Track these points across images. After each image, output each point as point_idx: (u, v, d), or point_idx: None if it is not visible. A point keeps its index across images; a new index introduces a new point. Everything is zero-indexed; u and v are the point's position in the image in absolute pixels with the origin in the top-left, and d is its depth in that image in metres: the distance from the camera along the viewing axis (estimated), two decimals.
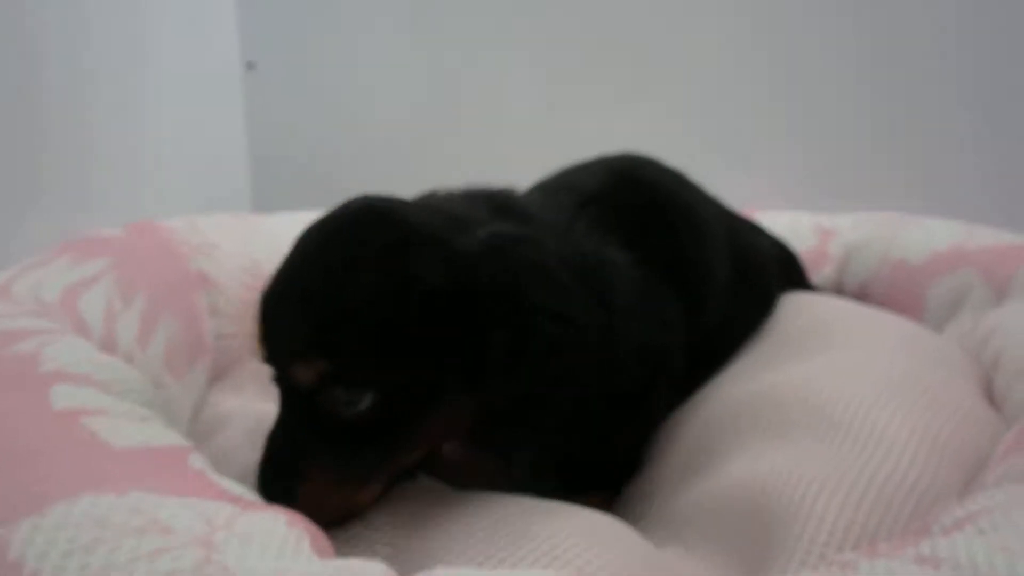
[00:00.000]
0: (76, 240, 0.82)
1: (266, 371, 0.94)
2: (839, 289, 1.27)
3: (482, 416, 0.60)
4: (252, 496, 0.49)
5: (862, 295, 1.21)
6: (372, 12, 1.95)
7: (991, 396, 0.78)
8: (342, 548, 0.54)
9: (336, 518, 0.56)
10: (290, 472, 0.56)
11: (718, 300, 0.87)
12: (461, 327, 0.55)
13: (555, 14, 1.87)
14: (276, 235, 1.21)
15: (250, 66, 1.91)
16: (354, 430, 0.55)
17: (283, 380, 0.58)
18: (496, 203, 0.68)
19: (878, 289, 1.17)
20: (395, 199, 0.63)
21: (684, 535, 0.62)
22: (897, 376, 0.70)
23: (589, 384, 0.62)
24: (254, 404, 0.89)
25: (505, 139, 1.93)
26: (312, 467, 0.56)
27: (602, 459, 0.75)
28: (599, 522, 0.57)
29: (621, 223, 0.74)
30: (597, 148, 0.99)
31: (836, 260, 1.33)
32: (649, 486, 0.75)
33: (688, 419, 0.80)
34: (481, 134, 1.96)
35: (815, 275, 1.28)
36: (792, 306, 0.99)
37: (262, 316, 0.58)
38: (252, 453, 0.71)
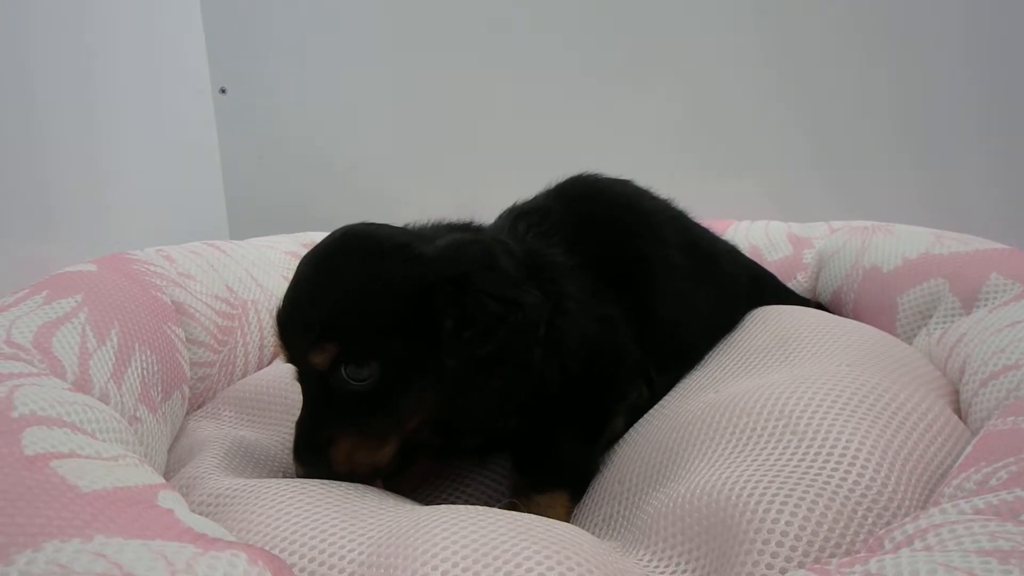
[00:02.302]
0: (50, 277, 0.83)
1: (242, 397, 0.96)
2: (813, 297, 1.28)
3: (450, 395, 0.73)
4: (217, 532, 0.49)
5: (836, 302, 1.22)
6: (344, 38, 1.97)
7: (957, 406, 0.78)
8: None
9: (364, 474, 0.72)
10: (321, 440, 0.71)
11: (672, 293, 0.93)
12: (424, 311, 0.70)
13: (534, 44, 1.89)
14: (250, 261, 1.23)
15: (222, 91, 1.92)
16: (364, 400, 0.70)
17: (303, 372, 0.73)
18: (456, 225, 0.87)
19: (851, 296, 1.18)
20: (375, 224, 0.79)
21: (651, 541, 0.63)
22: (863, 388, 0.70)
23: (532, 360, 0.74)
24: (231, 430, 0.90)
25: (476, 165, 1.96)
26: (339, 432, 0.71)
27: (560, 451, 0.80)
28: (561, 532, 0.58)
29: (565, 229, 0.90)
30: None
31: (810, 268, 1.34)
32: (619, 487, 0.76)
33: (659, 421, 0.81)
34: (452, 161, 1.98)
35: (789, 284, 1.29)
36: (761, 318, 1.00)
37: (281, 324, 0.74)
38: (224, 478, 0.72)
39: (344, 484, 0.71)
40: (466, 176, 1.96)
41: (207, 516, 0.65)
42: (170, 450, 0.84)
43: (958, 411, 0.77)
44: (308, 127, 2.01)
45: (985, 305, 0.92)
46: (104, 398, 0.68)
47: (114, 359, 0.74)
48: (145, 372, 0.78)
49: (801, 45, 1.77)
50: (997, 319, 0.84)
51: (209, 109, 1.87)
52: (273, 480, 0.71)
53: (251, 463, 0.82)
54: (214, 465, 0.77)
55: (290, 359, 0.74)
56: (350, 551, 0.58)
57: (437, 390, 0.73)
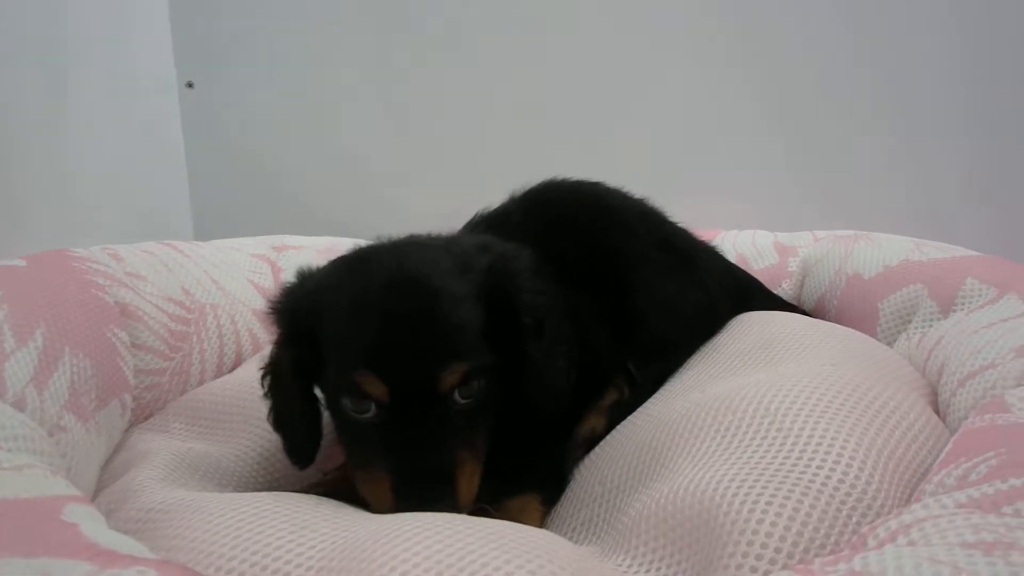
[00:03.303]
0: None
1: (196, 408, 0.90)
2: (798, 303, 1.29)
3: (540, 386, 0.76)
4: (131, 549, 0.44)
5: (820, 309, 1.23)
6: (318, 31, 1.94)
7: (936, 407, 0.78)
8: None
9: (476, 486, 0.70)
10: (447, 469, 0.67)
11: (646, 286, 0.94)
12: (501, 316, 0.72)
13: (518, 46, 1.88)
14: (210, 263, 1.18)
15: (189, 86, 1.88)
16: (468, 418, 0.70)
17: (405, 401, 0.68)
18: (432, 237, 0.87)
19: (834, 303, 1.19)
20: (401, 241, 0.81)
21: (632, 544, 0.61)
22: (847, 387, 0.70)
23: (567, 333, 0.79)
24: (179, 443, 0.85)
25: (453, 166, 1.94)
26: (460, 456, 0.68)
27: (532, 453, 0.78)
28: (534, 538, 0.55)
29: (529, 231, 0.90)
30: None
31: (795, 276, 1.36)
32: (600, 488, 0.74)
33: (642, 422, 0.80)
34: (428, 161, 1.96)
35: (775, 291, 1.29)
36: (747, 321, 0.99)
37: (390, 353, 0.68)
38: (163, 490, 0.67)
39: (296, 495, 0.68)
40: (442, 177, 1.93)
41: (135, 533, 0.61)
42: (107, 464, 0.78)
43: (937, 411, 0.77)
44: (279, 124, 1.97)
45: (962, 309, 0.93)
46: (19, 404, 0.63)
47: (37, 362, 0.69)
48: (76, 378, 0.72)
49: (784, 58, 1.78)
50: (974, 321, 0.86)
51: (174, 104, 1.82)
52: (216, 494, 0.66)
53: (196, 476, 0.77)
54: (153, 477, 0.72)
55: (397, 390, 0.68)
56: (297, 566, 0.54)
57: (524, 386, 0.74)
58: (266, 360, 0.80)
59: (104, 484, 0.73)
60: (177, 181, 1.85)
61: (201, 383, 1.04)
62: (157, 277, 1.01)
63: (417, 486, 0.66)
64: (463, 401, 0.69)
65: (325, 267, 0.78)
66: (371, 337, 0.68)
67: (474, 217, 1.00)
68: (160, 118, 1.79)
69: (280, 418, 0.77)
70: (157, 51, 1.77)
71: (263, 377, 0.79)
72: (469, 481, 0.69)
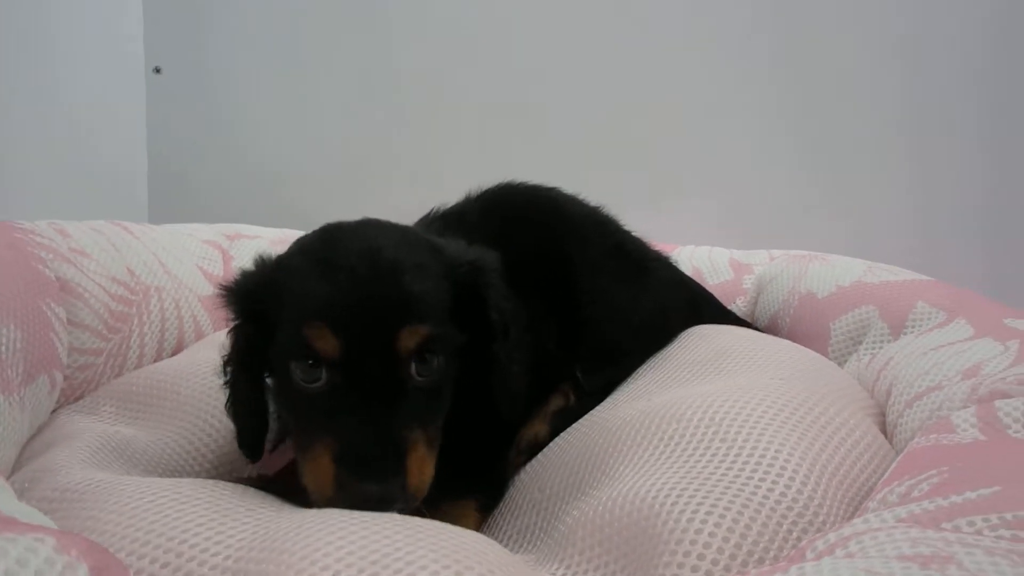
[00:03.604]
0: None
1: (129, 391, 0.87)
2: (752, 321, 1.29)
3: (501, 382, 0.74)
4: (32, 519, 0.42)
5: (773, 327, 1.24)
6: (290, 18, 1.92)
7: (883, 427, 0.78)
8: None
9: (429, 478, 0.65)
10: (398, 447, 0.62)
11: (596, 293, 0.93)
12: (468, 304, 0.70)
13: (475, 49, 1.88)
14: (159, 245, 1.14)
15: (156, 71, 1.84)
16: (423, 398, 0.65)
17: (368, 364, 0.63)
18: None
19: (787, 321, 1.20)
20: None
21: (567, 553, 0.60)
22: (793, 401, 0.69)
23: (526, 337, 0.78)
24: (107, 426, 0.82)
25: (411, 159, 1.93)
26: (412, 435, 0.63)
27: (471, 458, 0.75)
28: (464, 541, 0.53)
29: (483, 232, 0.86)
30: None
31: (749, 293, 1.37)
32: (540, 495, 0.72)
33: (586, 428, 0.79)
34: (391, 156, 1.95)
35: (729, 307, 1.29)
36: (698, 334, 0.99)
37: (347, 306, 0.63)
38: (82, 471, 0.65)
39: (220, 483, 0.65)
40: (406, 172, 1.93)
41: (48, 512, 0.58)
42: (28, 443, 0.75)
43: (884, 431, 0.77)
44: (247, 113, 1.95)
45: (912, 331, 0.94)
46: None
47: None
48: (3, 348, 0.69)
49: (755, 73, 1.81)
50: (923, 344, 0.87)
51: (141, 89, 1.78)
52: (136, 478, 0.64)
53: (120, 460, 0.75)
54: (74, 459, 0.70)
55: (350, 347, 0.63)
56: (213, 555, 0.52)
57: (487, 379, 0.72)
58: (226, 348, 0.76)
59: (22, 464, 0.70)
60: (136, 166, 1.81)
61: (138, 367, 1.00)
62: (103, 255, 0.98)
63: (363, 461, 0.61)
64: (420, 378, 0.65)
65: (287, 250, 0.75)
66: (326, 292, 0.64)
67: (429, 213, 0.98)
68: (125, 102, 1.75)
69: (236, 407, 0.74)
70: (127, 35, 1.73)
71: (224, 365, 0.75)
72: (420, 466, 0.63)
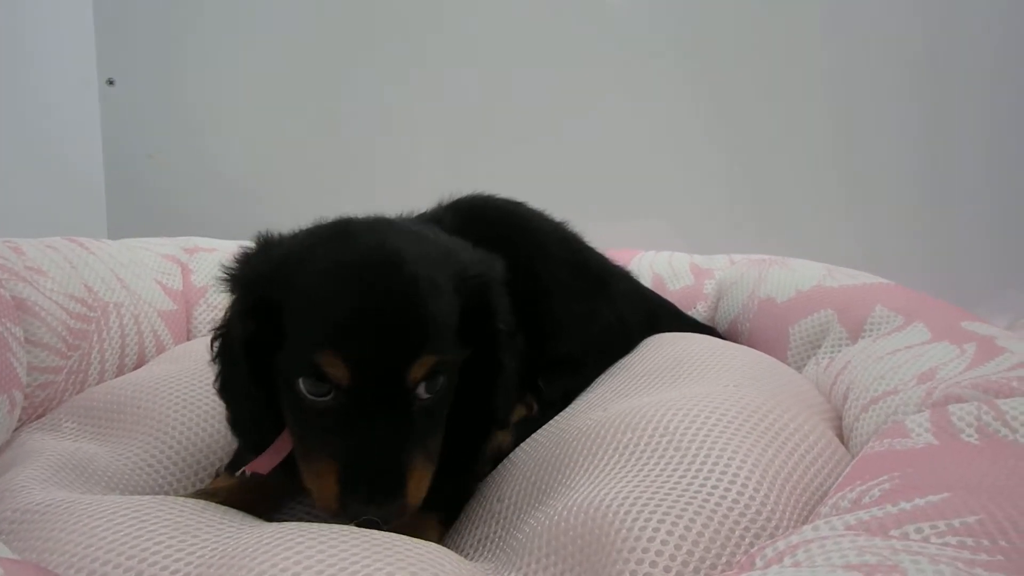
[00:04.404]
0: None
1: (90, 407, 0.87)
2: (713, 325, 1.30)
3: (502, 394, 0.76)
4: None
5: (733, 332, 1.24)
6: (245, 27, 1.91)
7: (839, 431, 0.79)
8: None
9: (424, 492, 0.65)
10: (402, 471, 0.63)
11: (558, 308, 0.95)
12: (474, 316, 0.69)
13: (440, 62, 1.88)
14: (117, 261, 1.13)
15: (110, 83, 1.82)
16: (425, 417, 0.66)
17: (378, 388, 0.63)
18: None
19: (747, 326, 1.20)
20: (383, 220, 0.78)
21: (524, 562, 0.60)
22: (747, 408, 0.70)
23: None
24: (69, 443, 0.81)
25: (373, 167, 1.93)
26: (416, 457, 0.64)
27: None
28: (423, 553, 0.54)
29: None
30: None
31: (710, 298, 1.37)
32: (499, 505, 0.73)
33: (544, 438, 0.79)
34: (351, 164, 1.95)
35: (690, 312, 1.31)
36: (655, 343, 1.00)
37: (361, 337, 0.63)
38: (42, 491, 0.64)
39: (182, 500, 0.65)
40: (369, 181, 1.93)
41: (7, 534, 0.58)
42: None
43: (840, 436, 0.78)
44: (202, 125, 1.93)
45: (870, 335, 0.94)
46: None
47: None
48: None
49: (712, 81, 1.84)
50: (880, 348, 0.87)
51: (94, 101, 1.75)
52: (97, 496, 0.63)
53: (82, 478, 0.74)
54: (34, 478, 0.69)
55: (360, 376, 0.63)
56: (173, 572, 0.52)
57: (489, 391, 0.73)
58: (218, 324, 0.74)
59: None
60: (93, 180, 1.78)
61: (99, 383, 0.99)
62: (59, 273, 0.96)
63: (367, 483, 0.62)
64: (426, 396, 0.65)
65: (295, 235, 0.73)
66: (342, 315, 0.63)
67: (402, 215, 0.97)
68: (79, 115, 1.72)
69: (226, 386, 0.72)
70: (79, 47, 1.71)
71: (213, 340, 0.73)
72: (418, 485, 0.64)
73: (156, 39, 1.88)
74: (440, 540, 0.73)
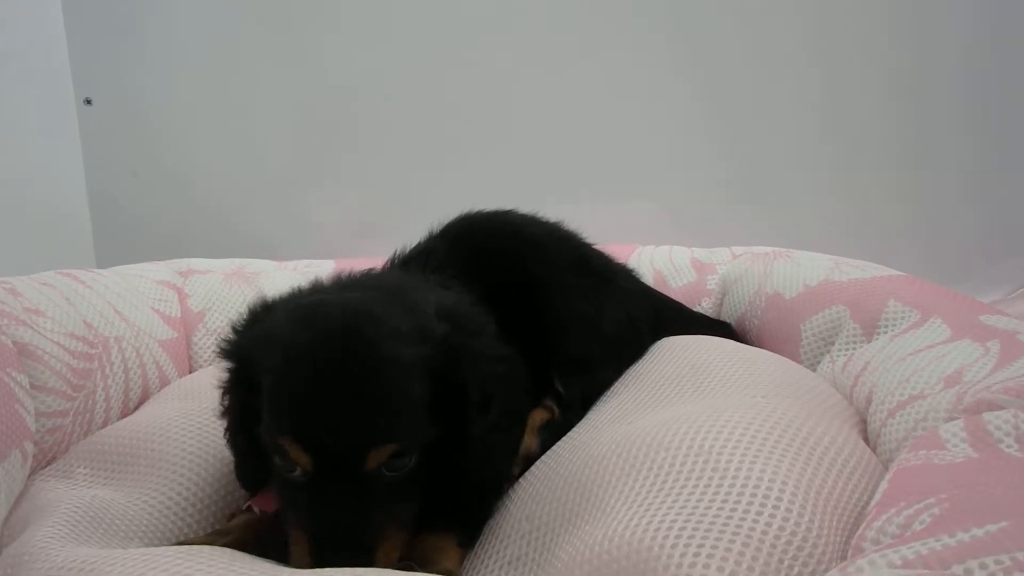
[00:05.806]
0: None
1: (101, 451, 0.85)
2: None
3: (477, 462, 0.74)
4: None
5: (741, 329, 1.23)
6: (221, 45, 1.87)
7: (865, 435, 0.77)
8: None
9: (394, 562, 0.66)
10: (368, 543, 0.65)
11: (565, 309, 0.96)
12: (443, 388, 0.69)
13: (421, 55, 1.85)
14: (114, 293, 1.11)
15: (87, 102, 1.78)
16: (395, 489, 0.67)
17: (334, 470, 0.65)
18: (369, 278, 0.86)
19: (756, 323, 1.19)
20: (350, 295, 0.76)
21: None
22: (780, 422, 0.68)
23: (526, 406, 0.84)
24: (84, 490, 0.79)
25: (356, 177, 1.91)
26: (384, 529, 0.66)
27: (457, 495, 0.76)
28: None
29: (453, 267, 0.92)
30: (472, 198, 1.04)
31: (714, 294, 1.36)
32: (528, 525, 0.71)
33: (570, 454, 0.78)
34: (334, 173, 1.92)
35: (695, 309, 1.29)
36: (669, 347, 0.99)
37: (316, 427, 0.65)
38: (63, 550, 0.63)
39: (208, 551, 0.64)
40: (351, 190, 1.90)
41: None
42: (8, 517, 0.72)
43: (866, 439, 0.76)
44: (184, 142, 1.89)
45: (886, 332, 0.92)
46: None
47: None
48: None
49: (709, 71, 1.83)
50: (899, 347, 0.85)
51: (73, 121, 1.71)
52: (121, 552, 0.62)
53: (100, 530, 0.72)
54: (53, 536, 0.67)
55: (320, 462, 0.65)
56: None
57: (461, 462, 0.72)
58: (224, 381, 0.77)
59: (5, 542, 0.67)
60: (77, 203, 1.75)
61: (106, 421, 0.97)
62: (57, 312, 0.94)
63: (334, 555, 0.63)
64: (390, 474, 0.67)
65: (277, 309, 0.75)
66: (300, 404, 0.65)
67: (395, 255, 1.00)
68: (58, 137, 1.68)
69: (229, 441, 0.77)
70: (53, 67, 1.66)
71: (222, 395, 0.77)
72: (389, 552, 0.66)
73: (131, 56, 1.84)
74: (460, 562, 0.72)
